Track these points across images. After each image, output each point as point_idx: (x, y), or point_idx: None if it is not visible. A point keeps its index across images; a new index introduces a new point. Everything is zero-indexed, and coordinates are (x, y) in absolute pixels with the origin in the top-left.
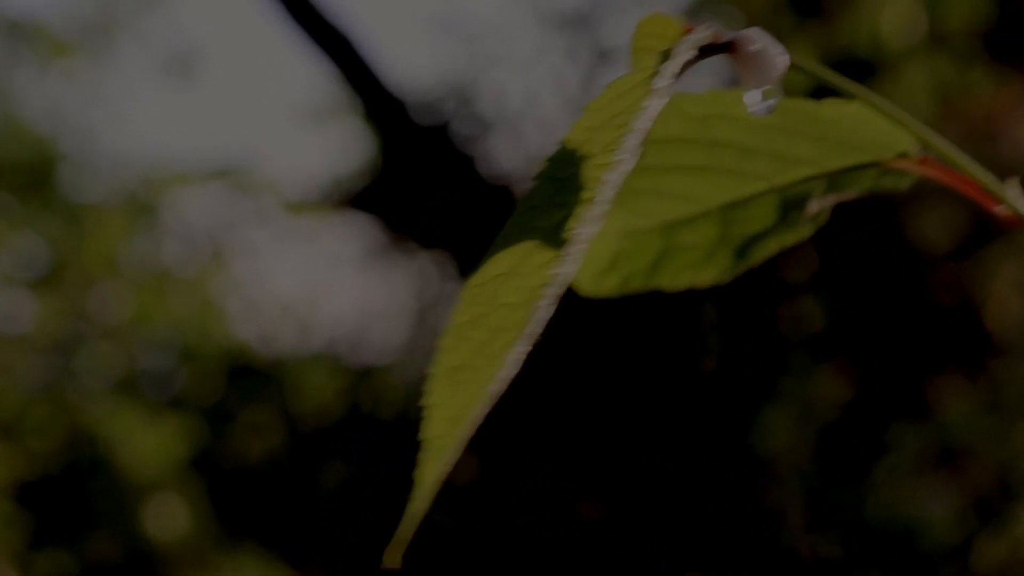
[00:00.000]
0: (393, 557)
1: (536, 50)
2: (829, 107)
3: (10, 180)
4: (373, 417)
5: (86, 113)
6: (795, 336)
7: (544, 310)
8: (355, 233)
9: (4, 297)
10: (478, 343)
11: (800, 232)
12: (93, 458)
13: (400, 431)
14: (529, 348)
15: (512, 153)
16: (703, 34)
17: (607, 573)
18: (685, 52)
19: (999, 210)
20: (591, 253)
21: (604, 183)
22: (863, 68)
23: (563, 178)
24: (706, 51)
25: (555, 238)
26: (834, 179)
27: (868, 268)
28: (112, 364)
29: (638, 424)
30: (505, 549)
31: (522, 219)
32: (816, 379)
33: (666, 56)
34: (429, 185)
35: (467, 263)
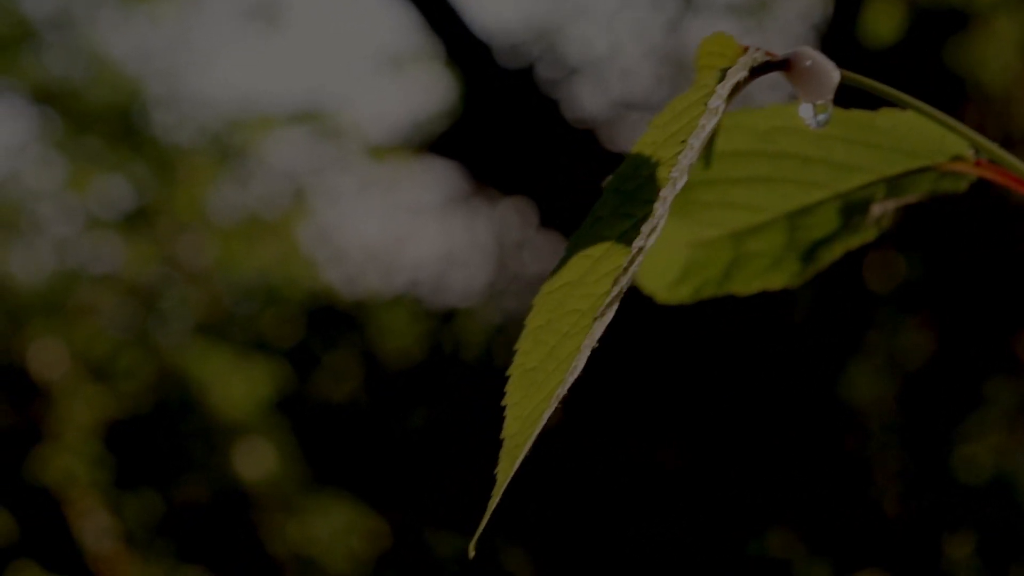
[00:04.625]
0: (472, 549)
1: None
2: (884, 116)
3: (99, 122)
4: (454, 359)
5: (173, 57)
6: (882, 289)
7: (604, 319)
8: (438, 178)
9: (94, 239)
10: (550, 347)
11: (865, 235)
12: (181, 399)
13: (481, 373)
14: (592, 351)
15: (596, 98)
16: (756, 54)
17: (695, 521)
18: (738, 73)
19: None
20: (664, 263)
21: (662, 198)
22: (953, 19)
23: (629, 191)
24: (760, 70)
25: (619, 248)
26: (893, 184)
27: (956, 220)
28: (199, 307)
29: (724, 374)
30: (584, 494)
31: (590, 229)
32: (903, 331)
33: (723, 75)
34: (512, 129)
35: (547, 208)
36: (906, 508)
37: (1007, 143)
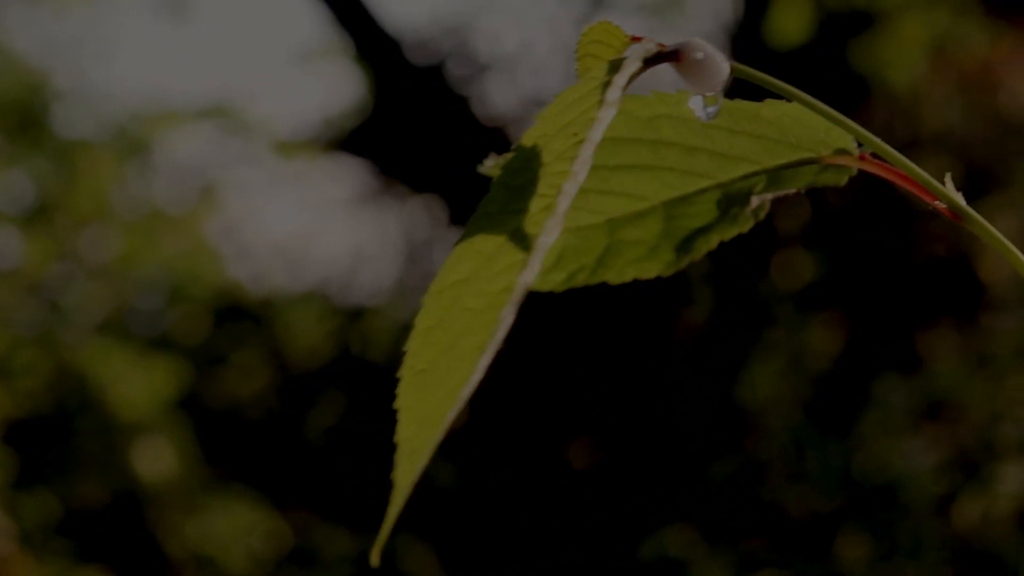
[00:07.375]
0: (375, 556)
1: None
2: (769, 107)
3: (0, 115)
4: (362, 358)
5: (78, 50)
6: (785, 287)
7: (509, 315)
8: (346, 175)
9: None
10: (443, 347)
11: (742, 226)
12: (81, 398)
13: (389, 372)
14: (496, 352)
15: (506, 95)
16: (649, 45)
17: (594, 520)
18: (633, 63)
19: (937, 204)
20: None
21: (563, 192)
22: (859, 19)
23: (518, 185)
24: (652, 61)
25: (513, 244)
26: (774, 175)
27: (860, 220)
28: (101, 304)
29: (626, 374)
30: (493, 494)
31: (480, 225)
32: (805, 331)
33: (614, 66)
34: (422, 126)
35: (457, 206)
36: (804, 508)
37: (914, 142)
